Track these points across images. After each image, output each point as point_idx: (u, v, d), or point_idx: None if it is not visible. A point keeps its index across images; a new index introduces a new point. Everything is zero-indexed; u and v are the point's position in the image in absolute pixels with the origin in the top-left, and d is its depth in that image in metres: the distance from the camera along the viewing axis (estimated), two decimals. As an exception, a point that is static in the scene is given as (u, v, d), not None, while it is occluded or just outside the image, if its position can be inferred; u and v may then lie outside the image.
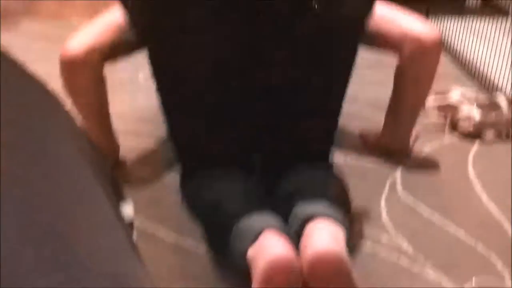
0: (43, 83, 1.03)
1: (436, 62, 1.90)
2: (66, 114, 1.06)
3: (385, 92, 2.02)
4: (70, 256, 0.68)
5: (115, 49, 1.81)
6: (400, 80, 1.94)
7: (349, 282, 1.37)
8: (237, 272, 1.47)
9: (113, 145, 2.00)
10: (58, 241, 0.69)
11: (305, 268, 1.35)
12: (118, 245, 0.80)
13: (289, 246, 1.37)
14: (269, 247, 1.36)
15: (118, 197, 1.13)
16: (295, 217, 1.49)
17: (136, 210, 1.76)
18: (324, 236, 1.39)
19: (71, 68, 1.78)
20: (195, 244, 1.66)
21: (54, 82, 2.43)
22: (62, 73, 1.79)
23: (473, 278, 1.56)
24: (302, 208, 1.50)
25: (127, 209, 1.16)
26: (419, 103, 2.00)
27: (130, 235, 0.97)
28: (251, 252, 1.40)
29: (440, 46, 1.88)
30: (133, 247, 0.90)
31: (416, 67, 1.88)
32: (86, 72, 1.80)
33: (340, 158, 2.05)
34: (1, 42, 1.01)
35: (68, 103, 1.77)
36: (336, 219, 1.47)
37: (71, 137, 0.99)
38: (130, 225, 1.16)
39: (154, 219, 1.75)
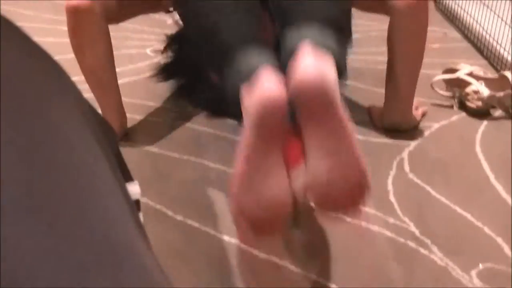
0: (48, 53, 1.02)
1: (426, 12, 1.96)
2: (72, 86, 1.05)
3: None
4: (71, 226, 0.68)
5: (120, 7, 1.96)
6: (393, 39, 1.99)
7: (334, 113, 1.34)
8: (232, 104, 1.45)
9: (121, 116, 2.01)
10: (61, 215, 0.69)
11: (290, 99, 1.32)
12: (123, 222, 0.80)
13: (282, 86, 1.32)
14: (262, 88, 1.32)
15: (124, 175, 1.12)
16: (284, 48, 1.45)
17: (142, 186, 1.76)
18: (304, 66, 1.32)
19: (76, 16, 1.89)
20: (202, 223, 1.67)
21: (62, 53, 2.43)
22: (68, 24, 1.87)
23: (480, 265, 1.56)
24: (290, 37, 1.46)
25: (134, 188, 1.16)
26: (416, 62, 2.01)
27: (136, 214, 0.97)
28: (245, 90, 1.37)
29: None
30: (140, 226, 0.90)
31: (407, 22, 1.93)
32: (90, 21, 1.92)
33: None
34: (6, 13, 0.99)
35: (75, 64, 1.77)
36: (325, 45, 1.41)
37: (77, 111, 0.98)
38: (137, 204, 1.16)
39: (161, 196, 1.75)
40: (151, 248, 0.85)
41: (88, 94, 2.14)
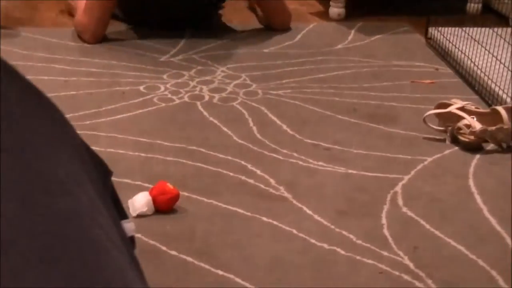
0: (44, 94, 1.02)
1: None
2: (66, 125, 1.05)
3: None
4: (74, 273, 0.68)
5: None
6: None
7: None
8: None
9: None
10: (60, 261, 0.69)
11: None
12: (120, 263, 0.80)
13: None
14: None
15: (119, 213, 1.12)
16: None
17: (137, 222, 1.76)
18: None
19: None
20: (196, 259, 1.66)
21: (56, 91, 2.44)
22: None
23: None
24: None
25: (128, 226, 1.16)
26: None
27: (132, 252, 0.96)
28: None
29: None
30: (136, 264, 0.90)
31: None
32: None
33: (341, 169, 2.06)
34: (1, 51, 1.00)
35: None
36: None
37: (72, 151, 0.98)
38: (132, 241, 1.16)
39: (155, 231, 1.75)
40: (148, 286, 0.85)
41: (79, 131, 2.15)
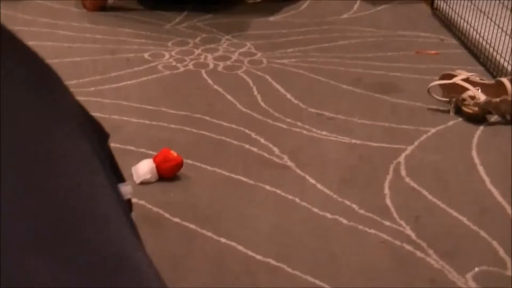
0: (46, 62, 1.02)
1: None
2: (66, 91, 1.05)
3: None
4: (67, 234, 0.68)
5: None
6: None
7: None
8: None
9: None
10: (55, 224, 0.69)
11: None
12: (118, 226, 0.80)
13: None
14: None
15: (117, 176, 1.13)
16: None
17: (139, 189, 1.77)
18: None
19: None
20: (199, 226, 1.67)
21: (60, 57, 2.44)
22: None
23: (475, 268, 1.57)
24: None
25: (126, 189, 1.16)
26: None
27: (129, 215, 0.97)
28: None
29: None
30: (133, 227, 0.90)
31: None
32: None
33: (344, 139, 2.06)
34: (4, 17, 1.00)
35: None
36: None
37: (71, 114, 0.99)
38: (129, 204, 1.16)
39: (158, 199, 1.76)
40: (145, 249, 0.86)
41: (83, 97, 2.16)
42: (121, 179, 1.14)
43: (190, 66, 2.49)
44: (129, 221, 0.90)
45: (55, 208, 0.72)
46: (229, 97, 2.29)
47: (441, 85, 2.31)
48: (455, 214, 1.76)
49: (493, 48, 2.54)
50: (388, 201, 1.80)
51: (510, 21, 2.55)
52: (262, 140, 2.04)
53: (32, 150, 0.79)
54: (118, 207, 0.86)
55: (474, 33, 2.69)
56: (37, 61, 1.01)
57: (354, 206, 1.77)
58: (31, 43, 0.97)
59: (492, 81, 2.31)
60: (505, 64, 2.46)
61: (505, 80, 2.25)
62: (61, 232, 0.70)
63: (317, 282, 1.51)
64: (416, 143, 2.07)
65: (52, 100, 0.95)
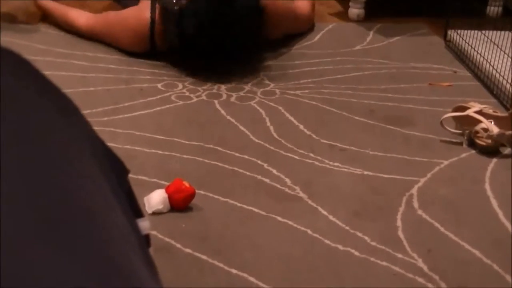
0: (62, 91, 1.03)
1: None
2: (84, 122, 1.05)
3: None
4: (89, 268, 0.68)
5: None
6: None
7: None
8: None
9: None
10: (74, 258, 0.69)
11: None
12: (133, 261, 0.80)
13: None
14: None
15: (135, 211, 1.12)
16: None
17: (152, 220, 1.76)
18: None
19: None
20: (210, 257, 1.67)
21: (74, 87, 2.45)
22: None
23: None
24: None
25: (144, 224, 1.16)
26: None
27: (146, 250, 0.97)
28: None
29: None
30: (150, 262, 0.90)
31: None
32: None
33: (357, 171, 2.06)
34: (19, 47, 1.01)
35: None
36: None
37: (89, 148, 0.99)
38: (147, 239, 1.16)
39: (170, 229, 1.76)
40: (161, 284, 0.85)
41: (97, 127, 2.16)
42: (139, 214, 1.14)
43: (203, 97, 2.50)
44: (146, 257, 0.90)
45: (68, 234, 0.72)
46: (241, 127, 2.29)
47: (454, 117, 2.31)
48: (467, 247, 1.75)
49: (507, 81, 2.54)
50: (400, 233, 1.79)
51: (523, 54, 2.55)
52: (275, 171, 2.04)
53: (48, 185, 0.79)
54: (135, 242, 0.86)
55: (487, 65, 2.69)
56: (56, 92, 1.01)
57: (366, 238, 1.77)
58: (46, 73, 0.98)
59: (505, 114, 2.30)
60: (519, 96, 2.46)
61: (518, 112, 2.25)
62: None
63: (329, 314, 1.51)
64: (429, 175, 2.07)
65: (73, 135, 0.96)
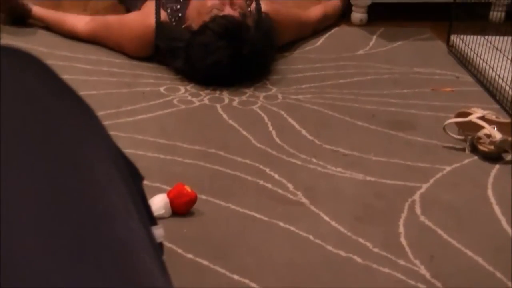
0: (78, 94, 1.03)
1: None
2: (101, 126, 1.05)
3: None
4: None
5: None
6: None
7: None
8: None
9: None
10: (90, 260, 0.69)
11: None
12: (150, 266, 0.80)
13: None
14: None
15: (150, 219, 1.12)
16: None
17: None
18: None
19: None
20: (212, 262, 1.67)
21: (78, 90, 2.45)
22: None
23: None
24: None
25: (158, 232, 1.15)
26: None
27: (160, 257, 0.96)
28: None
29: None
30: (164, 270, 0.90)
31: None
32: None
33: (359, 176, 2.05)
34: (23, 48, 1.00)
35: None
36: None
37: (107, 152, 0.99)
38: (161, 247, 1.15)
39: (172, 234, 1.75)
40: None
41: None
42: (153, 221, 1.14)
43: (206, 101, 2.50)
44: (162, 266, 0.90)
45: (84, 237, 0.72)
46: (244, 132, 2.29)
47: (456, 123, 2.30)
48: (470, 253, 1.74)
49: (509, 86, 2.53)
50: (402, 240, 1.79)
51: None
52: (277, 176, 2.04)
53: (69, 177, 0.79)
54: (152, 253, 0.86)
55: (490, 70, 2.68)
56: (75, 96, 1.01)
57: (368, 244, 1.76)
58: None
59: (508, 120, 2.30)
60: (521, 102, 2.45)
61: (521, 119, 2.25)
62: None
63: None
64: (431, 181, 2.06)
65: (94, 139, 0.95)
